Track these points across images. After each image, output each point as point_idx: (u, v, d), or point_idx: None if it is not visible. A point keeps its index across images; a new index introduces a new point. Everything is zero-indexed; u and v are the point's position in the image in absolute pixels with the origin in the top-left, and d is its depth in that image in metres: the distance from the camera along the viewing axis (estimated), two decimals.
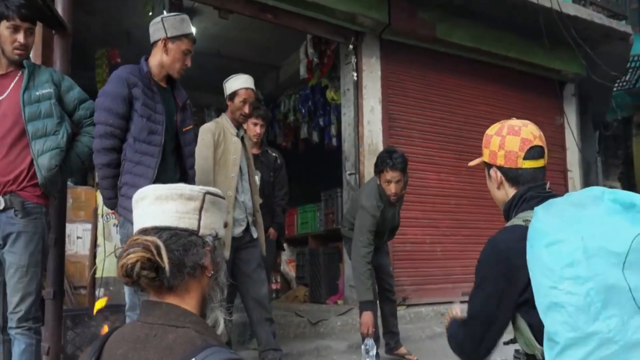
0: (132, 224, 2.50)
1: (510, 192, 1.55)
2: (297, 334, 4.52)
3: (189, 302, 1.05)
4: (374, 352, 3.47)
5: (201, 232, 1.06)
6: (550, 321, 1.18)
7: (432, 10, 5.58)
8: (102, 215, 3.96)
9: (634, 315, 1.12)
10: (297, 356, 4.05)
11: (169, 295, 1.04)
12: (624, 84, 8.44)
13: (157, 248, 0.98)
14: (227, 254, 3.02)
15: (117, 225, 3.93)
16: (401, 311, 5.23)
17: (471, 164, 1.75)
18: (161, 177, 2.60)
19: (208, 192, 1.09)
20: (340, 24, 5.21)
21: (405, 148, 5.60)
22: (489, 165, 1.61)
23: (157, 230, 1.03)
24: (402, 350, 3.94)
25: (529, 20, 5.79)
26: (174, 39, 2.68)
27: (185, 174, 2.87)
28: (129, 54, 5.18)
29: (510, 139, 1.53)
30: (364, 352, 3.46)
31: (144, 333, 0.99)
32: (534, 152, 1.51)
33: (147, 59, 2.75)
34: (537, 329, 1.32)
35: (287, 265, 6.88)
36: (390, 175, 3.58)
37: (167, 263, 0.98)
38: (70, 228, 3.59)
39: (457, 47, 5.94)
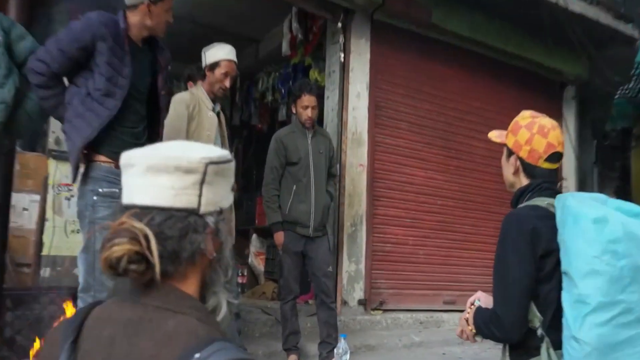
0: (92, 191, 2.49)
1: (524, 180, 1.85)
2: (264, 332, 4.55)
3: (188, 288, 0.99)
4: (347, 356, 3.54)
5: (202, 210, 0.99)
6: (584, 285, 1.49)
7: None
8: (53, 187, 3.86)
9: None
10: (263, 357, 4.07)
11: (164, 280, 0.97)
12: (627, 91, 8.57)
13: (146, 238, 0.91)
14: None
15: (69, 199, 3.87)
16: (377, 316, 5.31)
17: (494, 138, 1.96)
18: (119, 141, 2.58)
19: (211, 162, 0.99)
20: None
21: (391, 140, 5.69)
22: (510, 151, 1.87)
23: (148, 211, 0.95)
24: None
25: (531, 14, 5.88)
26: (158, 1, 2.65)
27: (154, 141, 2.83)
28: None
29: (538, 138, 1.79)
30: (336, 356, 3.53)
31: (136, 315, 0.93)
32: (554, 157, 1.80)
33: (125, 14, 2.66)
34: (542, 300, 1.66)
35: (256, 258, 6.85)
36: (307, 100, 4.14)
37: (157, 258, 0.91)
38: (16, 198, 3.50)
39: (452, 35, 6.03)
